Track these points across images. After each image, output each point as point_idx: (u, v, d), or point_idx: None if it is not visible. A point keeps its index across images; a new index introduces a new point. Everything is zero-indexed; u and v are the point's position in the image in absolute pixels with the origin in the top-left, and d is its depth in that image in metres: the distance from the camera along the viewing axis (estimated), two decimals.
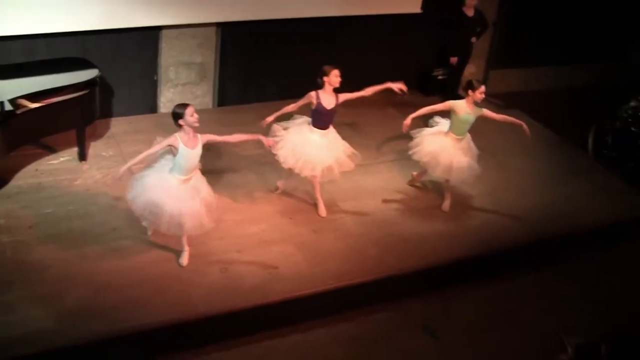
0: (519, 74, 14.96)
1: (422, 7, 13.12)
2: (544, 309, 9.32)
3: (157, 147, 8.14)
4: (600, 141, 12.77)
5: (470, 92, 9.85)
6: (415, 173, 10.91)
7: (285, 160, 9.58)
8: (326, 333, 8.58)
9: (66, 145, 10.59)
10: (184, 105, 8.06)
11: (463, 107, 9.93)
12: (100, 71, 10.29)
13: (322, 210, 9.98)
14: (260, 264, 8.87)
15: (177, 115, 8.02)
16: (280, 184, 10.32)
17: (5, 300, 7.83)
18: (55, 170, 10.24)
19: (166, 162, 8.39)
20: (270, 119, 9.68)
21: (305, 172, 9.59)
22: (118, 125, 11.42)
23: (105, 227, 9.18)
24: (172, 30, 11.48)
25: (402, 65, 13.30)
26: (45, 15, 10.35)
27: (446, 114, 10.25)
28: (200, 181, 8.49)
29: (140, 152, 8.32)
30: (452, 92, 13.69)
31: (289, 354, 8.30)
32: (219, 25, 11.75)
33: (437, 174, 10.20)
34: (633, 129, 12.36)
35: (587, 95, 15.01)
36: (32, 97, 9.58)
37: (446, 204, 10.47)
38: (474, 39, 13.26)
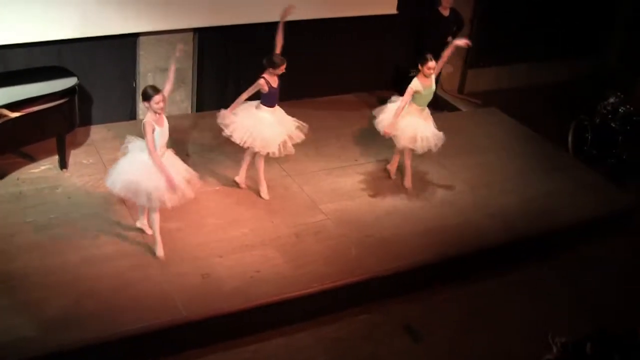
0: (496, 72, 15.06)
1: (398, 8, 13.17)
2: (528, 307, 9.36)
3: (149, 137, 8.31)
4: (580, 138, 12.85)
5: (420, 66, 10.45)
6: (388, 165, 11.13)
7: (242, 140, 9.87)
8: (310, 335, 8.61)
9: (47, 154, 10.61)
10: (155, 91, 8.37)
11: (421, 84, 10.40)
12: (78, 79, 10.32)
13: (265, 193, 10.37)
14: (241, 268, 8.90)
15: (146, 96, 8.36)
16: (238, 179, 10.55)
17: None
18: (37, 178, 10.26)
19: (133, 146, 8.75)
20: (229, 111, 9.94)
21: (263, 150, 9.92)
22: (98, 132, 11.44)
23: (87, 234, 9.20)
24: (150, 37, 11.51)
25: (380, 66, 13.41)
26: (22, 25, 10.38)
27: None
28: (173, 157, 8.80)
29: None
30: None
31: (273, 357, 8.32)
32: (195, 30, 11.79)
33: (402, 144, 10.53)
34: (612, 125, 12.44)
35: (565, 92, 15.10)
36: (12, 106, 9.62)
37: (407, 180, 10.91)
38: (450, 39, 13.30)
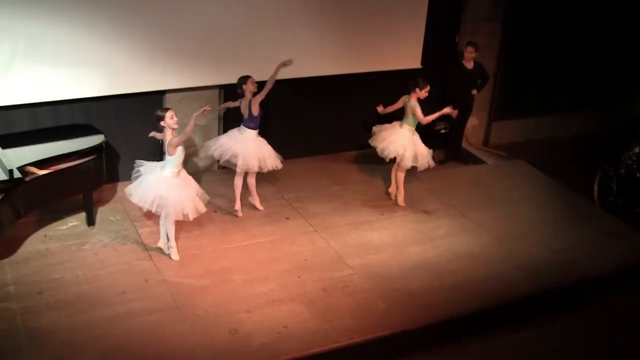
0: (521, 124, 15.05)
1: (422, 62, 13.24)
2: None
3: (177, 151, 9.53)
4: (606, 188, 12.77)
5: (417, 90, 11.30)
6: (390, 189, 11.67)
7: (221, 156, 10.82)
8: None
9: (74, 211, 10.69)
10: (165, 109, 9.44)
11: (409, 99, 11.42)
12: (105, 136, 10.42)
13: (258, 204, 11.40)
14: (269, 323, 8.85)
15: (158, 117, 9.39)
16: (237, 207, 11.18)
17: None
18: (64, 235, 10.32)
19: (154, 165, 9.74)
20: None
21: (244, 168, 10.80)
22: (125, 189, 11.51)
23: (114, 291, 9.22)
24: (176, 94, 11.63)
25: None
26: (51, 83, 10.55)
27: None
28: (187, 176, 9.80)
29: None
30: (456, 145, 13.78)
31: None
32: (221, 87, 11.90)
33: (406, 163, 11.36)
34: (638, 175, 12.37)
35: (590, 142, 15.06)
36: (40, 163, 9.69)
37: (400, 198, 11.73)
38: (474, 92, 13.35)
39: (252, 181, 11.16)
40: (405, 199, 11.66)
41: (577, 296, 10.22)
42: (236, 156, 10.68)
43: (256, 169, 10.83)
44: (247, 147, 10.73)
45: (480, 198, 12.12)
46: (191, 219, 9.61)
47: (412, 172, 11.58)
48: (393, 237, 10.92)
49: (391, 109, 11.61)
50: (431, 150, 11.54)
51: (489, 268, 10.30)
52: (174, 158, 9.46)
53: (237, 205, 11.10)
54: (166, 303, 9.07)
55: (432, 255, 10.52)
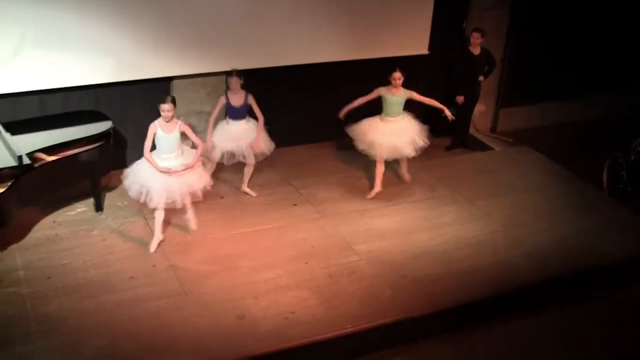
0: (529, 110, 15.02)
1: (429, 49, 13.24)
2: (561, 350, 9.21)
3: (148, 137, 9.55)
4: (615, 176, 12.74)
5: (390, 77, 11.24)
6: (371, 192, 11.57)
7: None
8: None
9: (82, 197, 10.76)
10: (167, 100, 9.49)
11: (389, 91, 11.30)
12: (113, 123, 10.46)
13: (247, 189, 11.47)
14: (276, 309, 8.90)
15: (161, 99, 9.51)
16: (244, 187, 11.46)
17: (25, 351, 7.93)
18: (72, 221, 10.39)
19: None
20: (210, 137, 10.96)
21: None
22: None
23: (122, 276, 9.29)
24: (182, 81, 11.67)
25: (412, 107, 13.40)
26: (59, 71, 10.59)
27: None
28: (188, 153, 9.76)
29: None
30: (463, 132, 13.77)
31: None
32: (228, 73, 11.90)
33: (386, 156, 11.38)
34: None
35: (598, 129, 15.04)
36: (49, 150, 9.76)
37: (404, 172, 12.00)
38: (481, 78, 13.34)
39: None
40: (413, 185, 11.64)
41: (584, 285, 10.20)
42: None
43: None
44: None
45: (487, 185, 12.12)
46: (179, 205, 9.73)
47: (419, 159, 11.57)
48: (400, 224, 10.94)
49: (364, 100, 11.54)
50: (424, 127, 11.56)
51: (496, 255, 10.31)
52: (161, 142, 9.56)
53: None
54: (174, 289, 9.13)
55: (439, 242, 10.54)
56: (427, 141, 11.38)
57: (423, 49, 13.21)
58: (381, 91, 11.29)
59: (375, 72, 12.54)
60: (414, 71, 13.20)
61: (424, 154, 11.51)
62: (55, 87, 10.77)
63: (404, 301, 9.22)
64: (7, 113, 10.49)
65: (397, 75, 11.15)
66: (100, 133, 10.24)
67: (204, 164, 10.12)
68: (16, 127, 9.96)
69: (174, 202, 9.55)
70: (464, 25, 13.73)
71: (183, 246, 9.89)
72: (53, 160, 9.66)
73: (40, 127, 10.17)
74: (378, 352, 8.87)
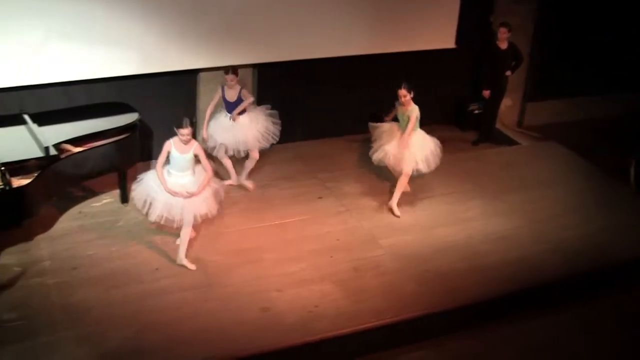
0: (556, 105, 14.91)
1: (456, 42, 13.19)
2: (587, 346, 9.19)
3: (161, 154, 9.18)
4: None
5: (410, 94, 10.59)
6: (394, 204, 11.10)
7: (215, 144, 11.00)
8: None
9: (108, 188, 10.81)
10: (186, 124, 9.01)
11: (401, 108, 10.72)
12: (140, 115, 10.49)
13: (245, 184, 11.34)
14: (300, 303, 8.93)
15: (178, 124, 9.04)
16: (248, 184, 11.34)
17: (50, 340, 7.99)
18: (98, 212, 10.44)
19: (147, 176, 9.39)
20: (205, 133, 10.99)
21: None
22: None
23: (147, 267, 9.35)
24: (209, 73, 11.68)
25: (438, 101, 13.39)
26: (86, 62, 10.64)
27: None
28: (195, 185, 9.18)
29: None
30: (489, 126, 13.72)
31: None
32: (255, 66, 11.93)
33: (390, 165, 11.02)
34: None
35: (625, 125, 14.90)
36: (75, 141, 9.78)
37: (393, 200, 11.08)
38: (508, 73, 13.26)
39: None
40: (438, 179, 11.55)
41: (609, 282, 10.15)
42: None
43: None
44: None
45: (512, 180, 12.07)
46: (199, 221, 9.37)
47: (445, 153, 11.51)
48: (425, 218, 10.92)
49: (389, 118, 11.23)
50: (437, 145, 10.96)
51: (520, 251, 10.28)
52: (174, 162, 9.18)
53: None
54: (198, 280, 9.17)
55: (463, 236, 10.51)
56: (435, 164, 10.85)
57: (450, 43, 13.16)
58: (397, 110, 10.85)
59: (401, 66, 12.56)
60: (440, 65, 13.22)
61: (450, 148, 11.47)
62: (82, 79, 10.82)
63: (428, 296, 9.22)
64: (34, 104, 10.54)
65: (402, 93, 10.52)
66: (127, 125, 10.26)
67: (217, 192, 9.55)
68: (43, 118, 10.01)
69: (172, 221, 9.18)
70: (491, 19, 13.66)
71: (208, 238, 9.91)
72: (79, 152, 9.69)
73: (67, 119, 10.20)
74: (401, 346, 8.86)
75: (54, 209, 10.23)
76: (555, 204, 11.52)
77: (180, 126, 8.97)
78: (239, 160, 11.24)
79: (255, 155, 11.02)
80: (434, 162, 10.77)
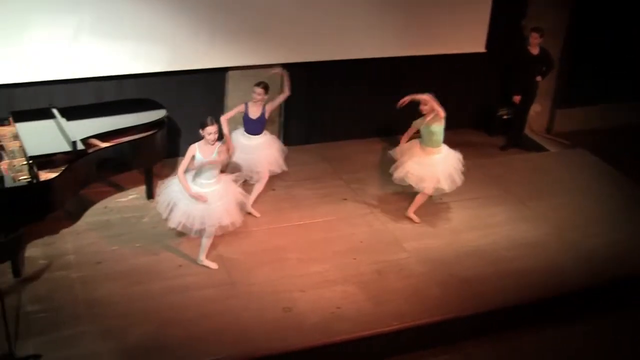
0: (586, 112, 14.79)
1: (486, 47, 13.12)
2: (613, 357, 9.09)
3: (185, 158, 8.92)
4: None
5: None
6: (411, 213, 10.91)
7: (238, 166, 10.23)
8: None
9: (134, 184, 10.86)
10: (211, 121, 8.79)
11: (424, 121, 10.32)
12: (167, 111, 10.52)
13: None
14: (322, 304, 8.90)
15: (202, 124, 8.81)
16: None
17: (72, 334, 8.03)
18: (124, 207, 10.49)
19: (172, 181, 9.18)
20: (230, 143, 10.14)
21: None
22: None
23: (170, 264, 9.37)
24: (238, 72, 11.69)
25: (467, 105, 13.34)
26: (115, 58, 10.71)
27: None
28: (221, 194, 9.00)
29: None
30: (518, 132, 13.65)
31: None
32: (283, 66, 11.91)
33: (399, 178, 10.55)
34: None
35: None
36: (103, 136, 9.83)
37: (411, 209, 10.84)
38: (539, 78, 13.18)
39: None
40: (464, 184, 11.41)
41: (636, 290, 10.03)
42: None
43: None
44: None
45: (540, 186, 11.99)
46: (220, 233, 9.22)
47: (472, 158, 11.41)
48: (450, 222, 10.87)
49: (406, 137, 10.75)
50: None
51: (546, 258, 10.18)
52: (188, 162, 8.96)
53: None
54: (221, 278, 9.17)
55: (489, 242, 10.45)
56: (460, 180, 10.56)
57: (480, 47, 13.10)
58: (417, 124, 10.42)
59: (430, 69, 12.52)
60: (470, 69, 13.16)
61: (477, 152, 11.40)
62: (112, 75, 10.87)
63: (451, 300, 9.15)
64: (63, 99, 10.61)
65: (424, 100, 10.19)
66: (154, 121, 10.29)
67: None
68: (72, 113, 10.05)
69: (190, 229, 9.00)
70: (522, 24, 13.58)
71: (232, 236, 9.88)
72: (106, 147, 9.73)
73: (95, 114, 10.27)
74: (423, 350, 8.81)
75: (80, 204, 10.29)
76: (583, 212, 11.40)
77: (204, 125, 8.75)
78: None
79: (266, 179, 10.49)
80: (458, 179, 10.52)
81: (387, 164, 11.76)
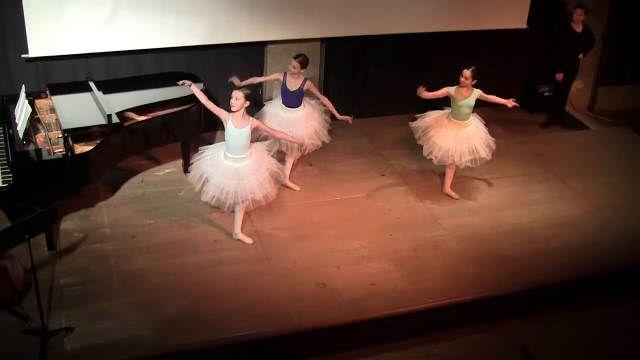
0: (629, 90, 14.55)
1: (528, 23, 12.93)
2: None
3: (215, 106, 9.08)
4: None
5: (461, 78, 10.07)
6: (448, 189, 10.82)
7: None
8: (422, 352, 8.47)
9: (171, 157, 10.87)
10: (236, 89, 8.84)
11: (458, 92, 10.15)
12: (205, 85, 10.49)
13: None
14: (357, 280, 8.87)
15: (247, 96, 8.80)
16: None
17: (107, 307, 8.08)
18: (160, 181, 10.51)
19: (207, 152, 9.16)
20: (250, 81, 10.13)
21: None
22: (222, 138, 11.53)
23: (206, 238, 9.38)
24: (277, 46, 11.64)
25: (508, 82, 13.17)
26: (155, 32, 10.71)
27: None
28: (253, 168, 8.92)
29: None
30: (559, 109, 13.47)
31: None
32: (323, 40, 11.86)
33: (425, 152, 10.49)
34: None
35: None
36: (140, 110, 9.81)
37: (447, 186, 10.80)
38: (581, 56, 12.98)
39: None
40: (504, 161, 11.33)
41: None
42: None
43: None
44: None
45: (580, 164, 11.83)
46: (252, 207, 9.23)
47: (513, 135, 11.26)
48: (488, 199, 10.76)
49: (432, 95, 10.38)
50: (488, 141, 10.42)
51: (584, 237, 10.06)
52: (229, 137, 8.89)
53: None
54: (256, 253, 9.17)
55: (528, 220, 10.34)
56: (489, 155, 10.31)
57: (522, 23, 12.91)
58: (450, 91, 10.19)
59: (472, 45, 12.37)
60: (511, 45, 12.99)
61: (519, 130, 11.24)
62: (150, 48, 10.86)
63: (487, 279, 9.07)
64: (102, 72, 10.65)
65: (467, 74, 10.01)
66: (192, 95, 10.24)
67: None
68: (109, 86, 10.05)
69: (223, 204, 8.89)
70: (565, 0, 13.35)
71: (268, 212, 9.88)
72: (143, 120, 9.72)
73: (133, 87, 10.24)
74: (458, 329, 8.76)
75: (117, 177, 10.34)
76: (623, 192, 11.24)
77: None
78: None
79: (295, 150, 10.37)
80: (492, 143, 10.34)
81: None
